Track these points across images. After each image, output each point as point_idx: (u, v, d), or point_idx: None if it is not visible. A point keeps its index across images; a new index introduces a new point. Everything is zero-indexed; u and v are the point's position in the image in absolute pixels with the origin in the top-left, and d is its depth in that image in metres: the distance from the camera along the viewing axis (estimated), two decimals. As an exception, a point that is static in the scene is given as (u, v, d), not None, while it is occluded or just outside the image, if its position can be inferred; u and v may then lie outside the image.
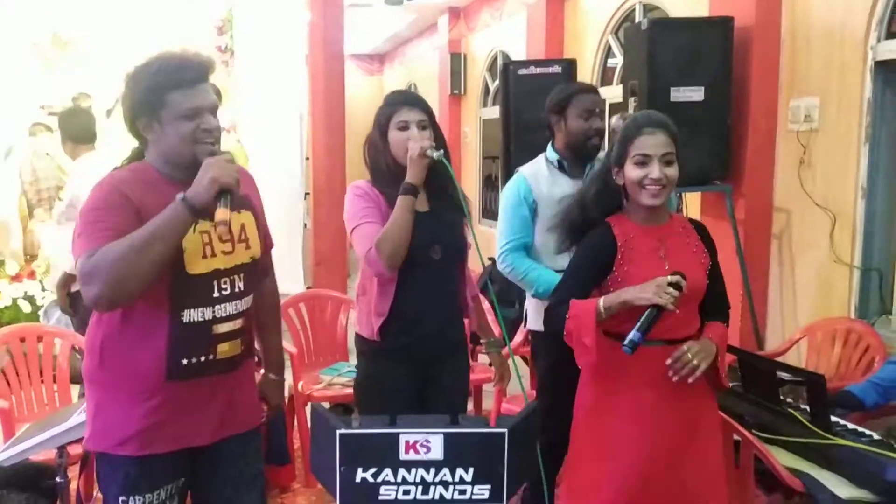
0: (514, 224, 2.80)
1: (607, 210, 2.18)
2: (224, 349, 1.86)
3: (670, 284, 1.94)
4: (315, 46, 6.38)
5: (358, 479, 1.50)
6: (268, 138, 6.63)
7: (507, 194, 2.84)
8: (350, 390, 2.99)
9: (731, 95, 4.05)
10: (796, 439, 2.43)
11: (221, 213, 1.66)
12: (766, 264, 4.20)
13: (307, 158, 7.03)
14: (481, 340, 2.63)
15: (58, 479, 2.44)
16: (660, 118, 2.14)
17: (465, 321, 2.57)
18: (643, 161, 2.06)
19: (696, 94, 3.97)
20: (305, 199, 7.07)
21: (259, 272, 2.00)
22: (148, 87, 1.77)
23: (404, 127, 2.32)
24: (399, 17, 10.08)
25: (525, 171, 2.86)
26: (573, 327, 2.04)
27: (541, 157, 2.88)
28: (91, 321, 1.88)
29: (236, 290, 1.87)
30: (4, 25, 6.56)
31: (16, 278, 5.33)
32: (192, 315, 1.81)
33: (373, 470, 1.50)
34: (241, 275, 1.88)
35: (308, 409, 2.59)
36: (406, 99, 2.39)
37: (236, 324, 1.88)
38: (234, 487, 1.95)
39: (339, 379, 3.66)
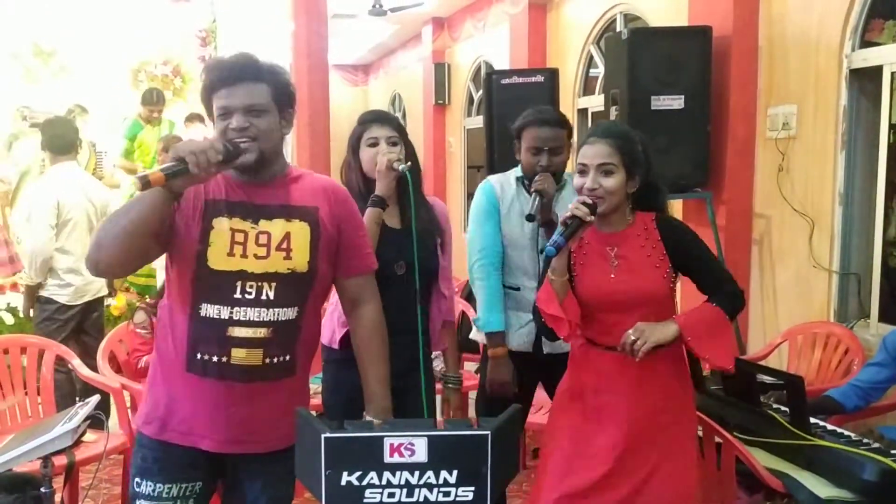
0: (484, 233, 2.77)
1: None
2: (240, 355, 1.80)
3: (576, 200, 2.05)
4: (299, 56, 6.39)
5: (343, 483, 1.51)
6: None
7: (476, 202, 2.83)
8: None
9: (710, 103, 4.11)
10: (776, 440, 2.47)
11: (154, 173, 1.68)
12: (746, 270, 4.26)
13: (292, 168, 7.04)
14: (441, 374, 2.65)
15: (42, 490, 2.43)
16: (606, 129, 2.19)
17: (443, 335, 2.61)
18: (582, 170, 2.12)
19: (676, 102, 4.03)
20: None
21: (308, 288, 1.88)
22: (202, 89, 1.89)
23: (374, 143, 2.40)
24: (383, 27, 10.12)
25: (493, 179, 2.87)
26: (541, 308, 2.09)
27: (512, 171, 2.87)
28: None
29: (263, 297, 1.81)
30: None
31: (-1, 290, 5.30)
32: (209, 310, 1.81)
33: (358, 473, 1.52)
34: (274, 284, 1.82)
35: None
36: (376, 117, 2.47)
37: (258, 332, 1.81)
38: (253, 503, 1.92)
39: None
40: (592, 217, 2.03)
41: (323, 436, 1.49)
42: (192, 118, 6.55)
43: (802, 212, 3.88)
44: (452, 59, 9.49)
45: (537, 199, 2.54)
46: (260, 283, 1.81)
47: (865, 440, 2.49)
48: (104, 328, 4.27)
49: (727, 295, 2.16)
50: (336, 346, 2.41)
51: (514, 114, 4.83)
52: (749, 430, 2.57)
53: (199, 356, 1.81)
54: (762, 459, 2.43)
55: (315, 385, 3.71)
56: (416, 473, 1.52)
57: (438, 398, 2.71)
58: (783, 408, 2.66)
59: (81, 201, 3.99)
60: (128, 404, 3.37)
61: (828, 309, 3.80)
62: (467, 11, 8.66)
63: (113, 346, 3.68)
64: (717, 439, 2.42)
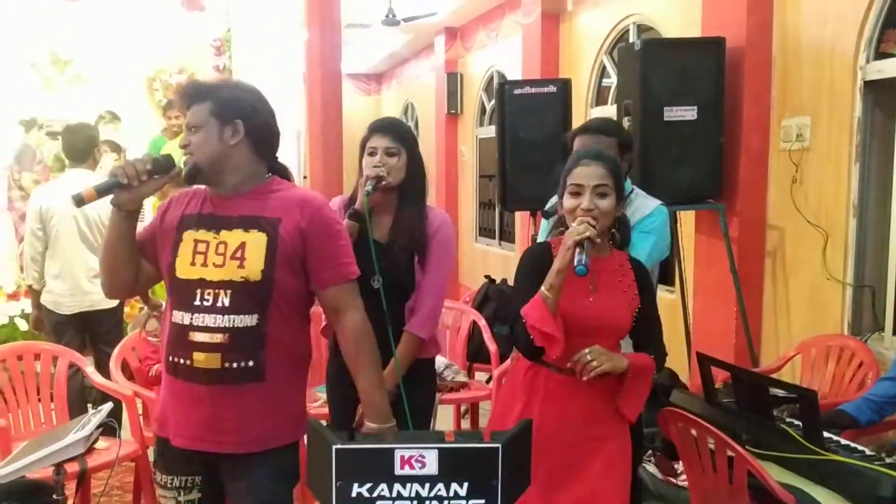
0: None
1: None
2: (200, 358, 1.92)
3: (577, 223, 2.07)
4: (312, 66, 6.44)
5: (354, 494, 1.51)
6: (265, 157, 6.67)
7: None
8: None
9: (723, 115, 4.10)
10: (789, 455, 2.45)
11: (87, 189, 1.92)
12: (759, 281, 4.24)
13: (304, 177, 7.07)
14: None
15: (55, 497, 2.44)
16: (599, 152, 2.22)
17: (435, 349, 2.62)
18: (577, 191, 2.14)
19: (688, 113, 4.02)
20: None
21: (264, 296, 1.94)
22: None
23: (372, 152, 2.43)
24: (396, 37, 10.17)
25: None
26: (531, 325, 2.07)
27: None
28: None
29: (219, 304, 1.91)
30: (2, 43, 6.61)
31: (13, 296, 5.35)
32: (177, 316, 1.97)
33: (368, 485, 1.52)
34: (229, 291, 1.91)
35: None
36: (378, 126, 2.49)
37: (215, 337, 1.91)
38: (239, 502, 2.00)
39: (334, 396, 3.66)
40: (598, 237, 2.08)
41: (334, 447, 1.50)
42: None
43: (816, 224, 3.86)
44: (465, 68, 9.52)
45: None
46: (217, 291, 1.92)
47: (880, 455, 2.47)
48: (117, 341, 4.27)
49: (660, 353, 2.27)
50: (327, 353, 2.57)
51: (527, 124, 4.92)
52: (761, 443, 2.55)
53: (171, 359, 1.98)
54: (775, 474, 2.41)
55: (323, 394, 3.74)
56: (427, 485, 1.51)
57: (445, 407, 2.72)
58: (796, 422, 2.64)
59: (70, 211, 3.91)
60: (140, 412, 3.38)
61: (842, 322, 3.77)
62: (480, 21, 8.69)
63: (125, 353, 3.69)
64: (729, 453, 2.40)
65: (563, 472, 2.15)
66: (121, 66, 6.93)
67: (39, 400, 3.50)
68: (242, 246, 1.93)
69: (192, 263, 1.94)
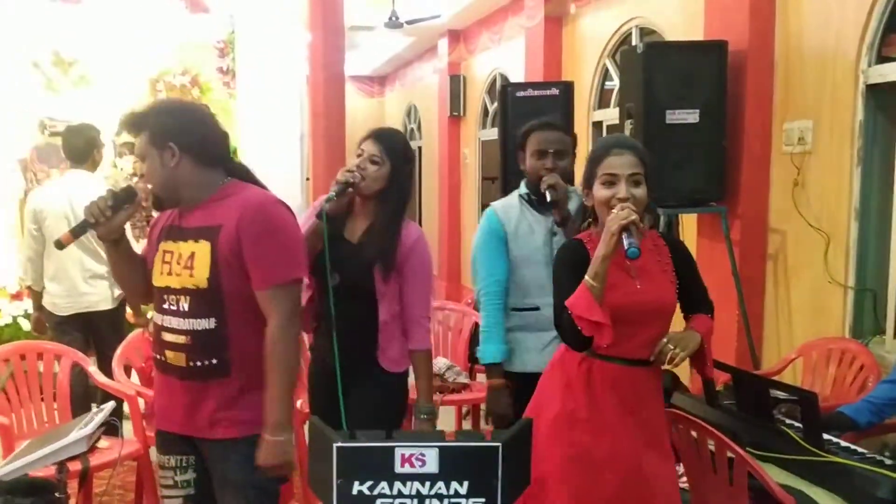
0: (487, 261, 2.80)
1: None
2: (170, 356, 2.11)
3: (618, 209, 2.04)
4: (315, 68, 6.46)
5: (354, 492, 1.52)
6: (269, 158, 6.68)
7: (480, 229, 2.85)
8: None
9: (725, 118, 4.11)
10: (789, 456, 2.45)
11: (64, 234, 2.12)
12: (761, 284, 4.24)
13: (307, 179, 7.09)
14: (416, 401, 2.60)
15: (57, 495, 2.45)
16: (628, 140, 2.23)
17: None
18: (611, 181, 2.11)
19: (691, 116, 4.03)
20: (305, 219, 7.10)
21: (216, 301, 2.05)
22: None
23: (359, 154, 2.51)
24: (399, 39, 10.19)
25: (496, 205, 2.89)
26: (578, 315, 2.04)
27: (515, 192, 2.88)
28: None
29: (180, 309, 2.08)
30: (5, 43, 6.63)
31: (16, 296, 5.36)
32: (156, 318, 2.18)
33: (369, 483, 1.52)
34: (188, 297, 2.07)
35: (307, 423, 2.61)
36: (375, 133, 2.55)
37: (179, 338, 2.08)
38: (220, 486, 2.14)
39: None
40: (638, 218, 2.07)
41: (335, 445, 1.50)
42: None
43: (818, 227, 3.87)
44: (468, 71, 9.53)
45: (552, 192, 2.62)
46: (177, 297, 2.09)
47: (879, 457, 2.47)
48: (118, 341, 4.28)
49: (709, 307, 2.31)
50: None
51: (529, 126, 4.89)
52: (762, 445, 2.56)
53: (155, 355, 2.19)
54: (775, 475, 2.41)
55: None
56: (427, 484, 1.52)
57: (447, 409, 2.75)
58: (796, 423, 2.65)
59: (63, 212, 3.93)
60: (142, 411, 3.40)
61: (843, 325, 3.78)
62: (483, 24, 8.71)
63: (129, 353, 3.70)
64: (730, 454, 2.41)
65: (631, 457, 2.16)
66: (124, 67, 6.95)
67: (42, 399, 3.51)
68: (192, 256, 2.07)
69: (161, 272, 2.13)
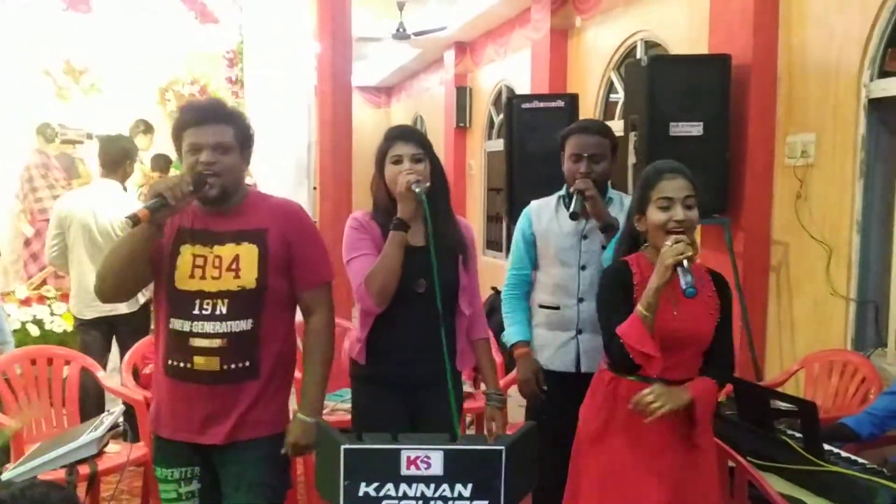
0: (514, 257, 2.90)
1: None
2: (200, 362, 2.07)
3: (672, 242, 2.06)
4: (323, 78, 6.50)
5: (361, 494, 1.56)
6: (276, 168, 6.74)
7: (516, 227, 2.93)
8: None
9: (729, 130, 4.14)
10: (790, 466, 2.47)
11: (141, 210, 1.98)
12: (764, 296, 4.26)
13: (314, 188, 7.13)
14: (483, 390, 2.58)
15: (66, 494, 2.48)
16: (678, 164, 2.24)
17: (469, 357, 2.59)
18: (666, 205, 2.15)
19: (695, 129, 4.07)
20: (312, 228, 7.14)
21: (260, 301, 2.10)
22: (174, 127, 2.15)
23: (398, 160, 2.37)
24: (406, 50, 10.26)
25: (533, 205, 2.92)
26: (630, 345, 2.08)
27: (556, 193, 2.92)
28: None
29: (217, 312, 2.07)
30: (18, 52, 6.71)
31: (25, 302, 5.40)
32: (175, 324, 2.10)
33: (375, 485, 1.56)
34: (226, 300, 2.07)
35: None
36: (401, 133, 2.43)
37: (213, 342, 2.06)
38: (235, 487, 2.12)
39: (342, 405, 3.70)
40: (693, 250, 2.09)
41: (342, 447, 1.54)
42: None
43: (820, 239, 3.90)
44: (474, 82, 9.60)
45: (579, 198, 2.63)
46: (214, 300, 2.07)
47: (880, 468, 2.49)
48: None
49: (725, 372, 2.28)
50: (359, 360, 2.46)
51: (535, 138, 4.97)
52: (763, 455, 2.58)
53: (170, 362, 2.11)
54: (775, 485, 2.44)
55: (333, 402, 3.78)
56: (432, 486, 1.55)
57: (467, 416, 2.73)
58: (797, 434, 2.67)
59: (84, 220, 4.01)
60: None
61: (845, 337, 3.80)
62: (489, 36, 8.77)
63: (136, 359, 3.74)
64: (731, 464, 2.43)
65: (652, 476, 2.16)
66: (134, 76, 7.03)
67: (52, 404, 3.54)
68: (236, 258, 2.08)
69: (192, 276, 2.08)
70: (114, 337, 4.18)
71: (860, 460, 2.58)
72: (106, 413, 3.17)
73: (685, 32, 5.07)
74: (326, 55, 6.37)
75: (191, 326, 2.07)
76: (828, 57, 3.88)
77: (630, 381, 2.19)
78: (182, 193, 2.00)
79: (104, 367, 3.94)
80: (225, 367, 2.07)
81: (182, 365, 2.09)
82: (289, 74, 6.86)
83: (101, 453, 3.00)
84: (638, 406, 2.07)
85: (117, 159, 4.13)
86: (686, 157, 3.98)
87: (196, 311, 2.07)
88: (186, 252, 2.10)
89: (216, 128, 2.08)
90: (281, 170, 6.63)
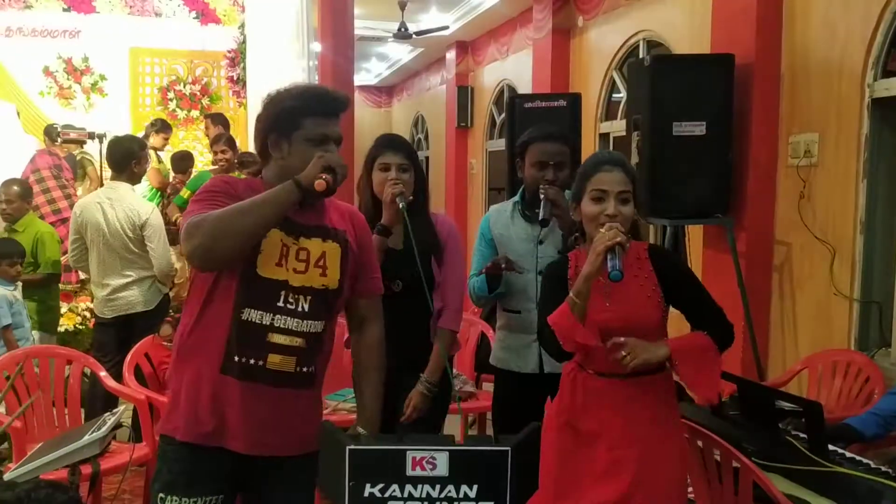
0: (475, 258, 2.92)
1: None
2: (275, 360, 1.88)
3: (605, 229, 2.03)
4: (325, 78, 6.50)
5: (366, 495, 1.55)
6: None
7: (480, 229, 2.96)
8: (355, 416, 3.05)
9: (732, 130, 4.14)
10: (794, 466, 2.47)
11: (321, 180, 1.82)
12: (767, 296, 4.26)
13: (315, 188, 7.13)
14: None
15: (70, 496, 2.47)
16: (619, 157, 2.21)
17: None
18: (600, 197, 2.12)
19: (697, 128, 4.06)
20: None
21: (335, 304, 1.99)
22: (289, 108, 1.94)
23: (385, 168, 2.56)
24: (407, 50, 10.26)
25: (493, 209, 2.99)
26: (561, 335, 2.06)
27: (511, 199, 2.95)
28: (180, 320, 2.00)
29: (300, 308, 1.90)
30: (20, 51, 6.71)
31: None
32: (252, 315, 1.87)
33: (380, 485, 1.55)
34: (309, 297, 1.91)
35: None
36: (389, 142, 2.62)
37: (294, 340, 1.89)
38: None
39: (344, 404, 3.69)
40: (626, 237, 2.05)
41: (348, 448, 1.53)
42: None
43: (824, 239, 3.89)
44: (475, 82, 9.59)
45: (549, 205, 2.63)
46: (297, 295, 1.90)
47: (885, 468, 2.49)
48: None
49: (720, 328, 2.19)
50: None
51: (537, 138, 4.92)
52: (767, 455, 2.57)
53: (236, 359, 1.87)
54: (780, 485, 2.43)
55: (334, 402, 3.77)
56: (437, 487, 1.55)
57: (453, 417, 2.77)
58: (801, 434, 2.66)
59: (97, 222, 4.07)
60: (152, 416, 3.42)
61: (848, 337, 3.79)
62: (491, 36, 8.77)
63: (138, 358, 3.74)
64: (735, 464, 2.42)
65: (603, 474, 2.12)
66: (136, 76, 7.04)
67: (53, 403, 3.54)
68: (323, 255, 1.95)
69: (279, 264, 1.89)
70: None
71: (865, 461, 2.57)
72: (109, 413, 3.17)
73: (688, 32, 5.07)
74: (328, 55, 6.37)
75: (272, 320, 1.87)
76: (831, 56, 3.87)
77: (587, 374, 2.18)
78: (343, 178, 1.89)
79: (120, 365, 3.97)
80: (299, 368, 1.90)
81: (252, 362, 1.87)
82: (290, 74, 6.86)
83: (103, 453, 3.00)
84: (613, 359, 2.04)
85: (121, 161, 4.17)
86: (689, 157, 4.05)
87: (280, 304, 1.88)
88: (275, 235, 1.89)
89: (336, 122, 2.01)
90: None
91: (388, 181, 2.52)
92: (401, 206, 2.47)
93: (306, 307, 1.90)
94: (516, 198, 2.92)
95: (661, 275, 2.18)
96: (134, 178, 4.28)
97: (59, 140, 5.96)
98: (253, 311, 1.87)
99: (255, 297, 1.87)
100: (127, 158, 4.17)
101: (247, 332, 1.87)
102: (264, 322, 1.87)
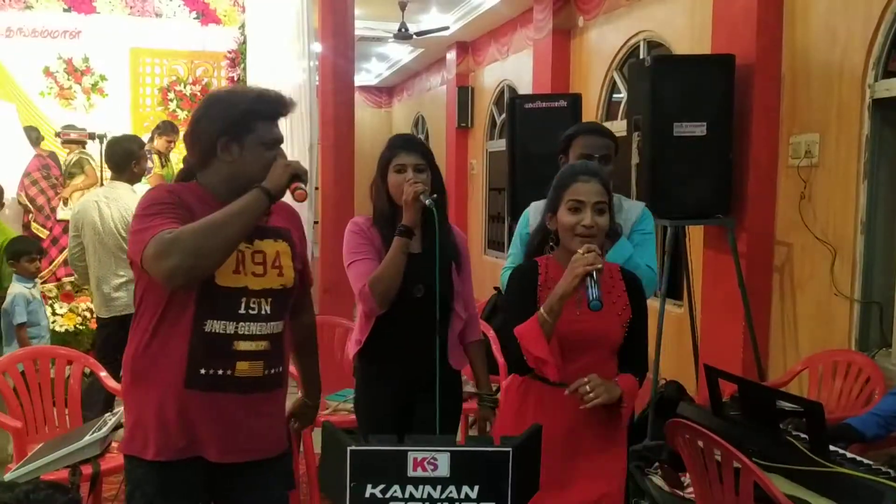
0: (512, 252, 2.89)
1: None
2: (243, 367, 1.88)
3: (584, 251, 2.02)
4: (325, 78, 6.51)
5: (367, 495, 1.54)
6: (278, 168, 6.73)
7: (517, 225, 2.93)
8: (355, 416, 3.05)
9: (732, 131, 4.14)
10: (795, 467, 2.47)
11: (297, 186, 1.85)
12: (767, 296, 4.26)
13: (316, 188, 7.14)
14: (474, 390, 2.66)
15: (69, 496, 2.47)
16: (595, 167, 2.23)
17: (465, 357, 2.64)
18: (577, 207, 2.12)
19: (698, 129, 4.06)
20: (314, 227, 7.16)
21: (291, 302, 2.02)
22: (243, 111, 1.90)
23: (401, 169, 2.45)
24: (407, 50, 10.26)
25: (532, 206, 2.92)
26: (526, 349, 2.06)
27: None
28: (129, 338, 1.94)
29: (263, 312, 1.90)
30: (20, 52, 6.71)
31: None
32: (215, 326, 1.86)
33: (382, 486, 1.55)
34: (270, 299, 1.92)
35: (321, 427, 2.64)
36: (404, 142, 2.52)
37: (260, 345, 1.90)
38: None
39: (344, 405, 3.70)
40: (601, 263, 2.04)
41: (349, 448, 1.53)
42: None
43: (824, 240, 3.89)
44: (476, 82, 9.59)
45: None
46: (259, 300, 1.90)
47: (885, 469, 2.49)
48: None
49: (641, 371, 2.26)
50: (359, 360, 2.54)
51: (537, 138, 4.97)
52: (768, 456, 2.57)
53: (202, 371, 1.85)
54: (781, 486, 2.43)
55: (335, 402, 3.77)
56: (439, 488, 1.54)
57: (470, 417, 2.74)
58: (802, 434, 2.66)
59: (93, 221, 4.07)
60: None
61: (849, 337, 3.79)
62: (491, 36, 8.77)
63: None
64: (736, 464, 2.42)
65: (554, 483, 2.11)
66: (136, 76, 7.03)
67: (54, 404, 3.54)
68: (278, 255, 1.96)
69: (237, 271, 1.87)
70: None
71: (866, 461, 2.57)
72: (109, 413, 3.17)
73: (688, 32, 5.07)
74: (328, 55, 6.38)
75: (236, 328, 1.86)
76: (832, 57, 3.87)
77: (540, 384, 2.16)
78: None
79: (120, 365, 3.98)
80: (266, 371, 1.91)
81: (221, 373, 1.85)
82: (291, 75, 6.86)
83: (104, 453, 3.00)
84: (575, 394, 2.05)
85: (120, 161, 4.17)
86: (689, 158, 4.05)
87: (242, 311, 1.87)
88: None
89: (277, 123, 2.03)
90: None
91: (407, 181, 2.40)
92: (427, 203, 2.36)
93: (268, 309, 1.92)
94: None
95: (631, 297, 2.22)
96: (134, 178, 4.28)
97: (58, 141, 5.98)
98: (216, 322, 1.86)
99: (216, 307, 1.86)
100: (126, 159, 4.17)
101: (212, 344, 1.86)
102: (228, 331, 1.86)
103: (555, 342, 2.07)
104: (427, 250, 2.47)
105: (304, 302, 2.20)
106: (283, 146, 2.00)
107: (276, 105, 1.95)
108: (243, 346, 1.88)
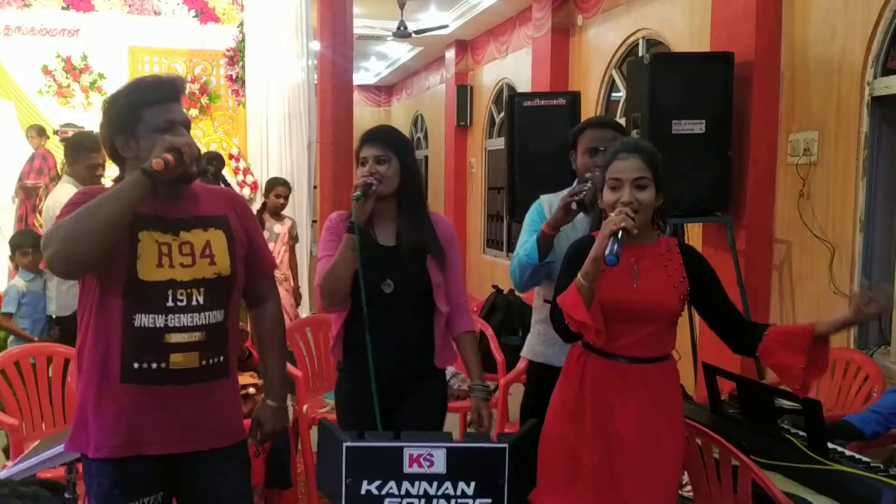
0: (522, 240, 2.85)
1: None
2: (178, 359, 1.87)
3: (615, 213, 2.03)
4: (324, 77, 6.51)
5: (363, 492, 1.54)
6: (277, 166, 6.74)
7: (526, 216, 2.90)
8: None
9: (731, 129, 4.13)
10: (794, 464, 2.46)
11: (159, 159, 1.76)
12: (766, 294, 4.25)
13: (315, 187, 7.13)
14: (468, 383, 2.58)
15: (66, 496, 2.47)
16: (636, 144, 2.22)
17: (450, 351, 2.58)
18: (615, 185, 2.14)
19: (697, 127, 4.06)
20: (312, 226, 7.16)
21: (233, 290, 1.99)
22: (123, 105, 1.90)
23: (363, 163, 2.41)
24: (406, 49, 10.25)
25: (544, 197, 2.91)
26: (567, 314, 2.07)
27: (565, 189, 2.90)
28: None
29: (194, 303, 1.89)
30: (18, 50, 6.71)
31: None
32: (143, 320, 1.85)
33: (377, 482, 1.55)
34: (202, 289, 1.91)
35: (317, 424, 2.62)
36: (368, 136, 2.46)
37: (193, 336, 1.88)
38: (215, 501, 1.97)
39: (343, 403, 3.69)
40: (636, 229, 2.06)
41: (345, 445, 1.53)
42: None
43: (823, 237, 3.89)
44: (475, 81, 9.58)
45: (592, 189, 2.50)
46: (189, 290, 1.89)
47: (884, 466, 2.48)
48: None
49: (752, 328, 2.28)
50: (339, 357, 2.49)
51: (536, 136, 4.95)
52: (766, 453, 2.57)
53: (136, 365, 1.85)
54: (779, 483, 2.42)
55: (332, 399, 3.76)
56: (435, 484, 1.54)
57: (451, 415, 2.71)
58: (801, 432, 2.66)
59: (54, 215, 4.07)
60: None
61: (848, 335, 3.79)
62: (490, 35, 8.76)
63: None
64: (734, 462, 2.42)
65: (612, 461, 2.13)
66: (135, 74, 7.02)
67: (51, 402, 3.53)
68: (208, 244, 1.94)
69: (160, 265, 1.87)
70: None
71: (864, 459, 2.56)
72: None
73: (687, 30, 5.06)
74: (327, 54, 6.37)
75: (165, 321, 1.85)
76: (831, 54, 3.87)
77: (596, 357, 2.18)
78: (191, 158, 1.82)
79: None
80: (204, 361, 1.90)
81: (155, 366, 1.85)
82: (289, 73, 6.87)
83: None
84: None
85: (69, 153, 4.10)
86: (688, 155, 4.05)
87: (170, 303, 1.86)
88: (148, 239, 1.87)
89: (177, 105, 1.96)
90: (281, 169, 6.64)
91: (362, 175, 2.37)
92: (355, 195, 2.29)
93: (201, 299, 1.90)
94: (572, 188, 2.89)
95: (690, 270, 2.21)
96: (85, 176, 4.03)
97: (56, 138, 5.99)
98: (144, 316, 1.85)
99: (142, 302, 1.85)
100: (75, 151, 4.03)
101: (142, 338, 1.85)
102: (158, 325, 1.86)
103: (596, 310, 2.07)
104: (405, 242, 2.41)
105: (261, 289, 2.13)
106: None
107: (155, 88, 1.91)
108: (175, 338, 1.87)
